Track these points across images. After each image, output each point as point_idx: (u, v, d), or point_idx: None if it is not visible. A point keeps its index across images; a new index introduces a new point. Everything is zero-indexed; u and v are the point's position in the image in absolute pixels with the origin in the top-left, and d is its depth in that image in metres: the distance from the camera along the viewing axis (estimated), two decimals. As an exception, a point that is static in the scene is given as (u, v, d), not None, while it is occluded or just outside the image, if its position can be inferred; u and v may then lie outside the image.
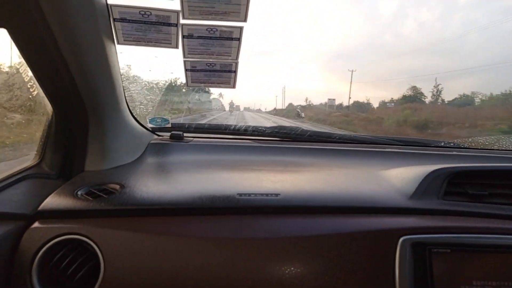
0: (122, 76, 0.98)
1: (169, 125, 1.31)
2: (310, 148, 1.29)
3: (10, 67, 0.86)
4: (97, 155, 0.98)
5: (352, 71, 39.75)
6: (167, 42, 0.88)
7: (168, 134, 1.30)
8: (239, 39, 0.90)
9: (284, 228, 0.73)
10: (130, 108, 1.12)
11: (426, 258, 0.69)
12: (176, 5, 0.81)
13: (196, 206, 0.77)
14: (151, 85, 1.39)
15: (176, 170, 1.07)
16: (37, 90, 0.87)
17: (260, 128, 1.40)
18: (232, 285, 0.67)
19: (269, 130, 1.40)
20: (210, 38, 0.89)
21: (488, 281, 0.68)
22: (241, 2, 0.81)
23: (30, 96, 0.89)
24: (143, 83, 1.34)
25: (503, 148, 1.48)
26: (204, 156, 1.22)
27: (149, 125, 1.29)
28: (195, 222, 0.74)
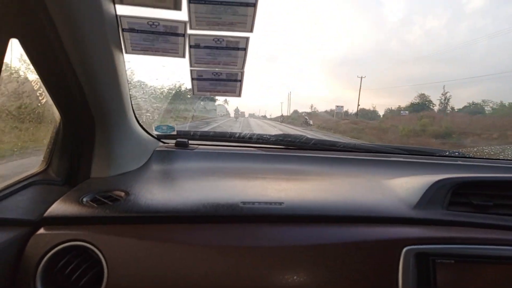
0: (129, 84, 0.99)
1: (175, 133, 1.32)
2: (314, 156, 1.29)
3: (19, 76, 0.88)
4: (103, 162, 0.99)
5: (362, 77, 38.77)
6: (174, 52, 0.89)
7: (174, 141, 1.30)
8: (245, 49, 0.91)
9: (288, 237, 0.73)
10: (136, 115, 1.13)
11: (430, 269, 0.69)
12: (183, 16, 0.82)
13: (200, 214, 0.77)
14: (157, 93, 1.40)
15: (181, 178, 1.07)
16: (45, 98, 0.88)
17: (265, 136, 1.41)
18: None
19: (274, 138, 1.41)
20: (217, 48, 0.90)
21: None
22: (248, 13, 0.82)
23: (39, 104, 0.90)
24: (150, 91, 1.36)
25: (509, 158, 1.47)
26: (209, 163, 1.22)
27: (155, 133, 1.30)
28: (199, 230, 0.75)
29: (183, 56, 0.91)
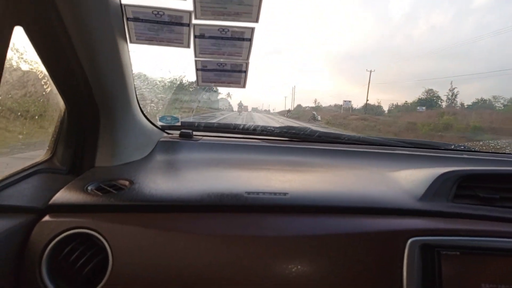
0: (134, 75, 0.99)
1: (179, 124, 1.32)
2: (318, 148, 1.29)
3: (25, 63, 0.88)
4: (108, 152, 0.99)
5: (371, 71, 37.66)
6: (179, 42, 0.88)
7: (178, 132, 1.31)
8: (250, 40, 0.90)
9: (292, 227, 0.73)
10: (141, 106, 1.13)
11: (434, 260, 0.68)
12: (188, 6, 0.81)
13: (205, 203, 0.77)
14: (162, 83, 1.40)
15: (185, 168, 1.08)
16: (50, 87, 0.88)
17: (269, 128, 1.41)
18: (239, 282, 0.68)
19: (278, 130, 1.41)
20: (222, 38, 0.89)
21: (497, 284, 0.67)
22: (253, 3, 0.81)
23: (44, 93, 0.90)
24: (154, 81, 1.36)
25: (515, 152, 1.46)
26: (213, 154, 1.22)
27: (159, 123, 1.30)
28: (203, 219, 0.75)
29: (188, 46, 0.90)
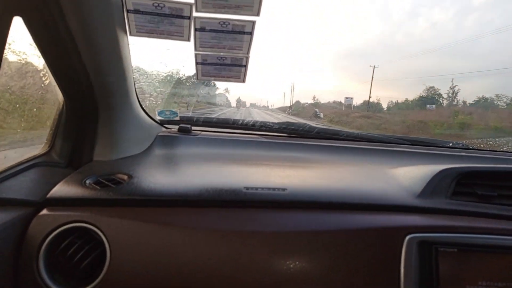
0: (133, 68, 0.99)
1: (178, 118, 1.32)
2: (317, 144, 1.29)
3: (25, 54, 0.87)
4: (106, 145, 0.99)
5: (374, 67, 36.61)
6: (179, 35, 0.88)
7: (176, 127, 1.30)
8: (251, 33, 0.89)
9: (291, 223, 0.73)
10: (140, 100, 1.13)
11: (432, 257, 0.69)
12: (189, -2, 0.81)
13: (203, 198, 0.77)
14: (161, 77, 1.39)
15: (183, 163, 1.07)
16: (49, 79, 0.88)
17: (268, 123, 1.40)
18: (238, 277, 0.68)
19: (277, 125, 1.40)
20: (222, 31, 0.88)
21: (494, 282, 0.67)
22: None
23: (42, 85, 0.90)
24: (153, 75, 1.35)
25: (513, 150, 1.46)
26: (212, 149, 1.22)
27: (158, 118, 1.29)
28: (201, 214, 0.75)
29: (188, 40, 0.89)
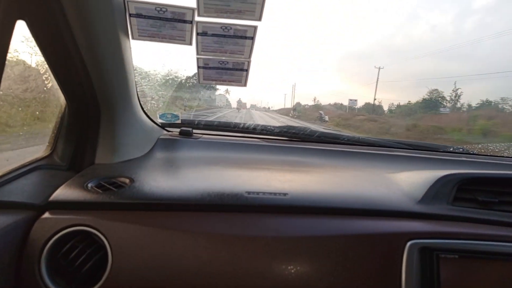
0: (135, 71, 0.99)
1: (179, 121, 1.32)
2: (318, 149, 1.29)
3: (27, 58, 0.88)
4: (108, 148, 0.99)
5: (379, 68, 35.84)
6: (181, 39, 0.88)
7: (178, 130, 1.30)
8: (252, 38, 0.90)
9: (291, 228, 0.73)
10: (141, 103, 1.13)
11: (433, 263, 0.69)
12: (192, 3, 0.81)
13: (205, 203, 0.77)
14: (163, 80, 1.40)
15: (184, 166, 1.07)
16: (51, 82, 0.88)
17: (269, 127, 1.41)
18: (238, 282, 0.68)
19: (278, 129, 1.40)
20: (224, 36, 0.89)
21: None
22: (257, 1, 0.81)
23: (45, 88, 0.90)
24: (155, 78, 1.35)
25: (514, 156, 1.45)
26: (213, 153, 1.22)
27: (159, 121, 1.29)
28: (203, 218, 0.75)
29: (190, 44, 0.90)
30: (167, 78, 1.41)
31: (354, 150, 1.30)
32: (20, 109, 0.92)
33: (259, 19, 0.85)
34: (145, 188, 0.82)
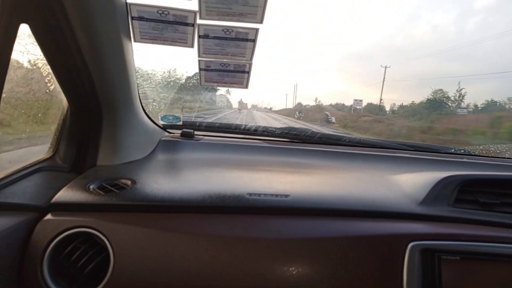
0: (136, 73, 0.99)
1: (180, 123, 1.32)
2: (319, 150, 1.29)
3: (29, 61, 0.88)
4: (110, 150, 0.99)
5: (386, 67, 34.57)
6: (183, 41, 0.88)
7: (179, 131, 1.31)
8: (254, 41, 0.90)
9: (293, 229, 0.73)
10: (143, 105, 1.13)
11: (435, 265, 0.69)
12: (193, 5, 0.81)
13: (207, 204, 0.78)
14: (164, 82, 1.40)
15: (186, 168, 1.08)
16: (54, 85, 0.88)
17: (270, 128, 1.41)
18: (239, 283, 0.68)
19: (279, 131, 1.41)
20: (226, 38, 0.89)
21: None
22: (258, 4, 0.81)
23: (47, 91, 0.90)
24: (157, 80, 1.36)
25: (515, 157, 1.45)
26: (214, 154, 1.22)
27: (161, 122, 1.30)
28: (204, 220, 0.75)
29: (192, 46, 0.90)
30: (169, 80, 1.41)
31: (356, 151, 1.31)
32: (23, 111, 0.92)
33: (261, 21, 0.85)
34: (146, 189, 0.82)
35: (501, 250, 0.71)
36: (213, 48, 0.91)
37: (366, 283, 0.69)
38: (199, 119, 1.44)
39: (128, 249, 0.69)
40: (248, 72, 0.98)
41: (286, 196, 0.81)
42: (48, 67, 0.82)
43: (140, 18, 0.83)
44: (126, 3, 0.80)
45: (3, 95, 0.67)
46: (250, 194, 0.81)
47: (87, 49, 0.78)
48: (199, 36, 0.88)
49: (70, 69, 0.82)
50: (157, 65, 1.32)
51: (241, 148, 1.28)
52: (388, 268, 0.70)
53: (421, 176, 0.97)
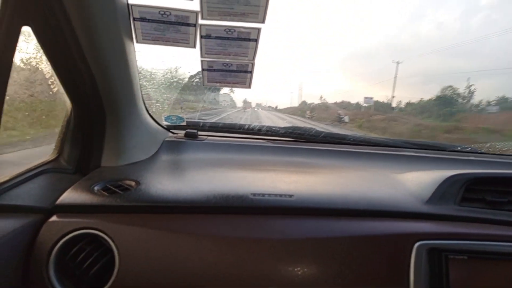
0: (139, 74, 0.99)
1: (184, 123, 1.32)
2: (324, 149, 1.28)
3: (33, 63, 0.89)
4: (113, 151, 1.00)
5: (398, 62, 33.19)
6: (185, 42, 0.88)
7: (183, 132, 1.31)
8: (256, 40, 0.90)
9: (298, 230, 0.73)
10: (146, 105, 1.13)
11: (442, 265, 0.68)
12: (195, 6, 0.81)
13: (211, 205, 0.77)
14: (167, 83, 1.40)
15: (190, 168, 1.08)
16: (57, 87, 0.89)
17: (274, 128, 1.40)
18: (244, 284, 0.68)
19: (283, 130, 1.40)
20: (228, 38, 0.89)
21: None
22: (260, 4, 0.81)
23: (51, 93, 0.91)
24: (160, 81, 1.36)
25: (523, 154, 1.43)
26: (218, 154, 1.22)
27: (164, 123, 1.30)
28: (209, 220, 0.75)
29: (194, 47, 0.90)
30: (172, 80, 1.41)
31: (360, 150, 1.30)
32: (26, 113, 0.93)
33: (263, 21, 0.85)
34: (151, 190, 0.82)
35: (509, 249, 0.70)
36: (215, 48, 0.91)
37: (371, 283, 0.68)
38: (206, 118, 1.43)
39: (132, 250, 0.69)
40: (251, 72, 0.98)
41: (290, 196, 0.81)
42: (51, 69, 0.82)
43: (142, 19, 0.83)
44: (128, 4, 0.80)
45: (7, 97, 0.67)
46: (254, 194, 0.81)
47: (89, 51, 0.78)
48: (201, 36, 0.88)
49: (72, 70, 0.82)
50: (160, 65, 1.32)
51: (245, 148, 1.27)
52: (394, 268, 0.69)
53: (426, 175, 0.96)
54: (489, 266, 0.69)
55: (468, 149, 1.42)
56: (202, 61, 0.94)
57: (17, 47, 0.67)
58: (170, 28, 0.85)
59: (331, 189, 0.90)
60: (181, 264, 0.68)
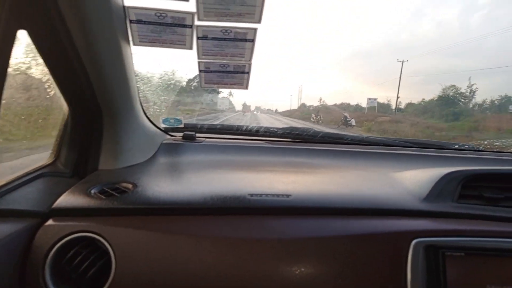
0: (136, 77, 0.99)
1: (182, 125, 1.32)
2: (321, 149, 1.29)
3: (29, 68, 0.88)
4: (111, 154, 0.99)
5: (403, 61, 32.43)
6: (182, 44, 0.88)
7: (181, 134, 1.31)
8: (253, 41, 0.90)
9: (296, 229, 0.73)
10: (144, 108, 1.13)
11: (439, 262, 0.68)
12: (191, 7, 0.81)
13: (208, 206, 0.77)
14: (165, 85, 1.40)
15: (188, 170, 1.07)
16: (53, 90, 0.88)
17: (272, 129, 1.40)
18: (244, 285, 0.67)
19: (281, 131, 1.40)
20: (225, 39, 0.89)
21: (503, 286, 0.67)
22: (256, 4, 0.81)
23: (47, 96, 0.91)
24: (157, 83, 1.36)
25: (520, 151, 1.43)
26: (216, 156, 1.22)
27: (162, 125, 1.30)
28: (206, 222, 0.75)
29: (191, 48, 0.90)
30: (169, 83, 1.41)
31: (358, 149, 1.30)
32: (23, 117, 0.93)
33: (259, 21, 0.85)
34: (148, 193, 0.82)
35: (506, 245, 0.70)
36: (212, 50, 0.91)
37: (370, 281, 0.68)
38: (205, 122, 1.43)
39: (129, 253, 0.69)
40: (248, 73, 0.98)
41: (288, 196, 0.81)
42: (47, 72, 0.82)
43: (138, 21, 0.83)
44: (124, 6, 0.80)
45: (3, 101, 0.67)
46: (251, 195, 0.81)
47: (85, 55, 0.78)
48: (198, 38, 0.88)
49: (69, 74, 0.82)
50: (157, 68, 1.32)
51: (243, 149, 1.27)
52: (392, 266, 0.69)
53: (424, 173, 0.96)
54: (486, 262, 0.69)
55: (466, 146, 1.43)
56: (199, 62, 0.94)
57: (12, 51, 0.67)
58: (166, 29, 0.85)
59: (328, 189, 0.90)
60: (180, 266, 0.68)
